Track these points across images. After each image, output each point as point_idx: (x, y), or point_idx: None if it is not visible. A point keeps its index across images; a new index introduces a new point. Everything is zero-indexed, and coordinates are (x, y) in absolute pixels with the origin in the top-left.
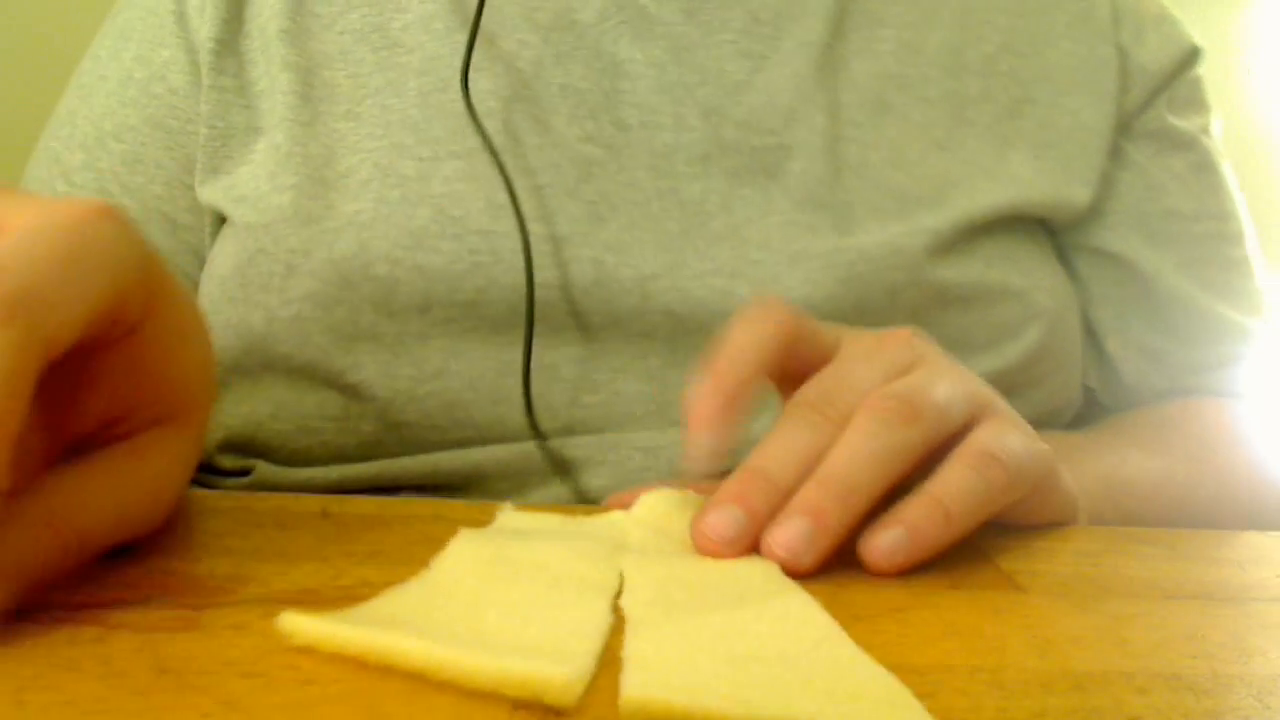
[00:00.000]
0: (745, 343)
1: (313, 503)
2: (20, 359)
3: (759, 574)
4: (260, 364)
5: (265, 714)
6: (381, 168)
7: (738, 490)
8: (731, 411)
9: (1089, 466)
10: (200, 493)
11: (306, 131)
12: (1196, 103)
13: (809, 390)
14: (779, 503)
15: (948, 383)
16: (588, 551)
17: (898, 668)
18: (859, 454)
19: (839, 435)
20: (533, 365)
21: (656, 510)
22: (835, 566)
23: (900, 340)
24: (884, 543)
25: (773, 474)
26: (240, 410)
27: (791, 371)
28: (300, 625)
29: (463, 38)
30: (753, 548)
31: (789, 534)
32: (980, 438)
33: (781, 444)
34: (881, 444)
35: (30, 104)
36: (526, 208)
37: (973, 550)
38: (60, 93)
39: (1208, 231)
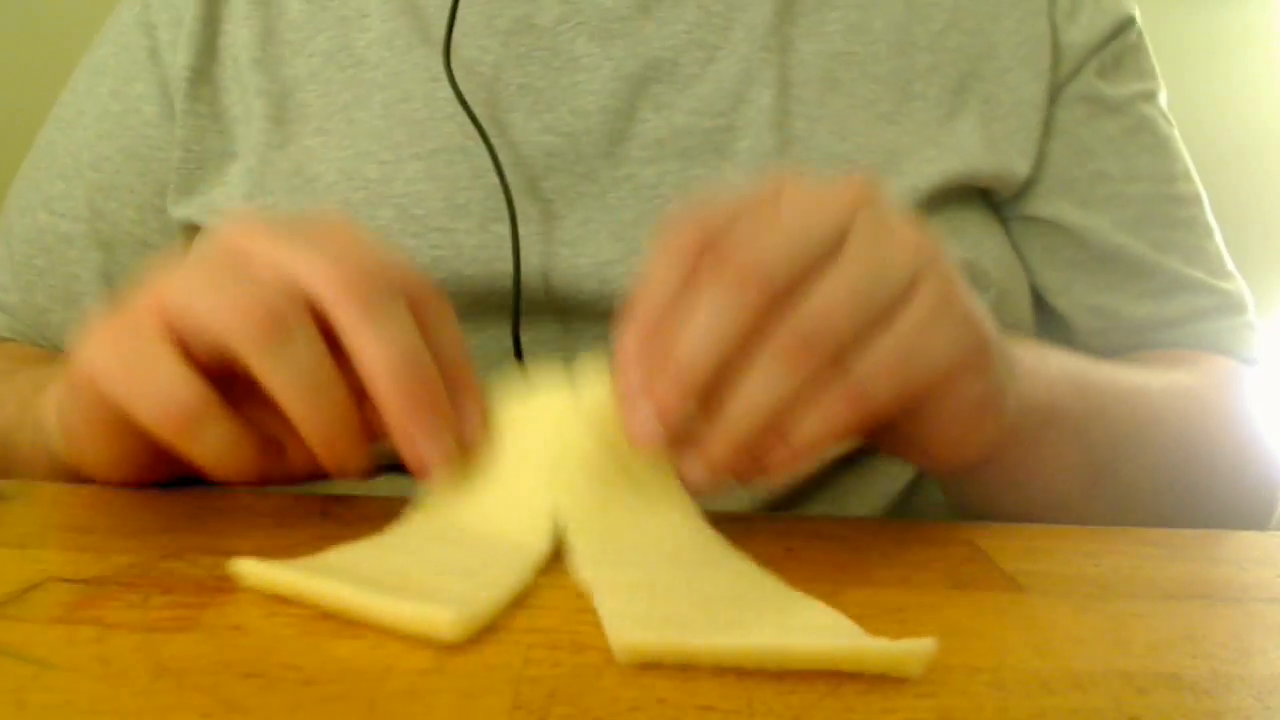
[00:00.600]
0: (657, 274)
1: (312, 503)
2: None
3: (685, 527)
4: None
5: (265, 714)
6: (346, 172)
7: (646, 384)
8: (681, 388)
9: (1055, 361)
10: (200, 492)
11: (279, 154)
12: (1133, 70)
13: (707, 242)
14: (686, 385)
15: (874, 252)
16: (525, 513)
17: None
18: (696, 332)
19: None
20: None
21: (598, 399)
22: (836, 566)
23: (839, 197)
24: (689, 477)
25: (679, 358)
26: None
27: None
28: (247, 568)
29: (423, 52)
30: (678, 433)
31: (636, 421)
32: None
33: (664, 308)
34: (721, 322)
35: (30, 104)
36: (484, 208)
37: (973, 550)
38: (59, 91)
39: (1146, 193)
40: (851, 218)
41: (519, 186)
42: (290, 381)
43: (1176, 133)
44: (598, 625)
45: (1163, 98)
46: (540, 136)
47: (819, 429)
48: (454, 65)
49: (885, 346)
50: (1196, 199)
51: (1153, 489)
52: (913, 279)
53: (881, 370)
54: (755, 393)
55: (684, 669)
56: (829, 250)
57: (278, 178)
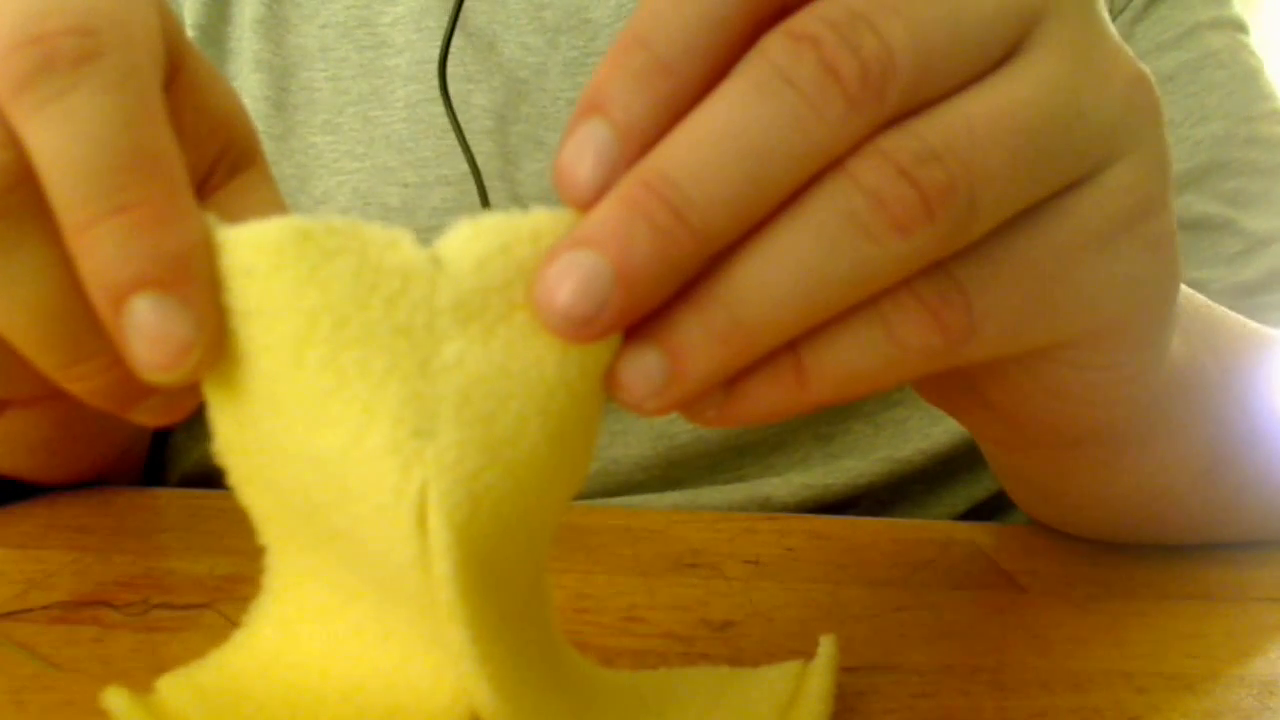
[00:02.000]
0: (674, 17)
1: None
2: (137, 85)
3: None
4: None
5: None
6: (362, 194)
7: (605, 93)
8: (651, 84)
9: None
10: (200, 493)
11: (279, 148)
12: None
13: (817, 12)
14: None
15: (1069, 80)
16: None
17: (897, 668)
18: (737, 146)
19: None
20: None
21: (494, 256)
22: (836, 566)
23: None
24: (629, 373)
25: (662, 53)
26: None
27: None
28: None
29: (458, 40)
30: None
31: (568, 289)
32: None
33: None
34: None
35: None
36: None
37: (973, 550)
38: None
39: (1215, 135)
40: (1042, 10)
41: None
42: None
43: (1263, 67)
44: (599, 625)
45: (1243, 26)
46: None
47: (869, 359)
48: (489, 68)
49: (1030, 257)
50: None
51: (1262, 491)
52: (1110, 153)
53: (1010, 294)
54: (798, 263)
55: None
56: (995, 58)
57: (280, 184)
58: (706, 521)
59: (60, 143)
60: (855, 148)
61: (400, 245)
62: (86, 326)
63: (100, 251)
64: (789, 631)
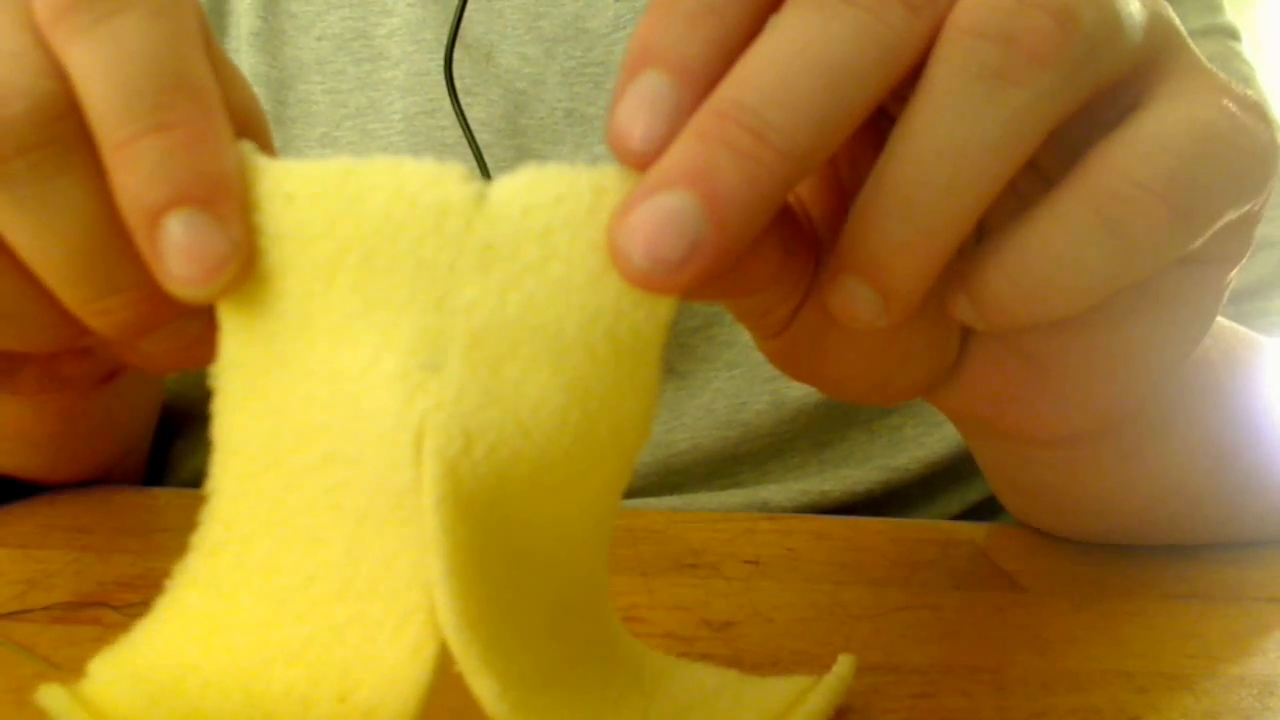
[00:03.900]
0: None
1: None
2: (179, 14)
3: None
4: None
5: None
6: None
7: (654, 41)
8: (702, 26)
9: None
10: (200, 493)
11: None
12: (1191, 1)
13: None
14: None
15: None
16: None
17: (898, 668)
18: (808, 60)
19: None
20: None
21: (542, 203)
22: (836, 566)
23: None
24: (846, 307)
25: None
26: None
27: None
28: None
29: (456, 52)
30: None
31: (652, 227)
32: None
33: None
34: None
35: None
36: None
37: (973, 550)
38: None
39: None
40: None
41: None
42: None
43: (1256, 74)
44: None
45: (1234, 33)
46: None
47: (1095, 262)
48: (487, 79)
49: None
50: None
51: (1265, 489)
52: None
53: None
54: (951, 142)
55: None
56: None
57: None
58: (706, 522)
59: (104, 63)
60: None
61: (444, 182)
62: (119, 259)
63: (140, 168)
64: (789, 631)
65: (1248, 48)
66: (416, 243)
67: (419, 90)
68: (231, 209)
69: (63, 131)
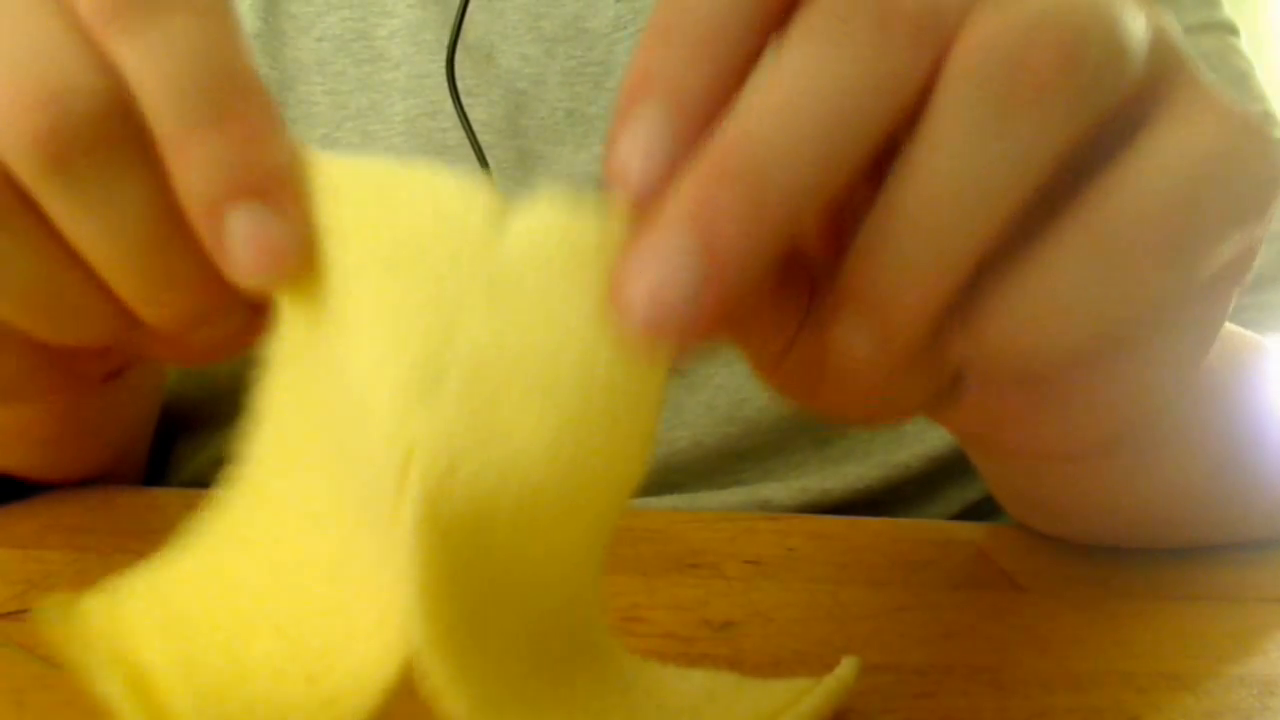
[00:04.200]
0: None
1: None
2: (224, 12)
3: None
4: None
5: None
6: None
7: (652, 72)
8: (700, 57)
9: None
10: (200, 493)
11: None
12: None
13: None
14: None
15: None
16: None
17: (898, 668)
18: (812, 100)
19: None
20: None
21: (550, 236)
22: (836, 566)
23: None
24: (849, 349)
25: (703, 29)
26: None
27: None
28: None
29: (458, 51)
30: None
31: (651, 279)
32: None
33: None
34: (838, 74)
35: None
36: None
37: (973, 550)
38: None
39: None
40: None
41: None
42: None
43: (1254, 70)
44: None
45: (1233, 29)
46: (591, 167)
47: (1105, 299)
48: (489, 80)
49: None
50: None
51: (1266, 490)
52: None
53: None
54: (963, 173)
55: None
56: None
57: None
58: (706, 521)
59: (157, 64)
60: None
61: (470, 207)
62: (178, 254)
63: (200, 164)
64: (789, 631)
65: (1245, 43)
66: (435, 263)
67: (420, 92)
68: (291, 200)
69: (121, 128)
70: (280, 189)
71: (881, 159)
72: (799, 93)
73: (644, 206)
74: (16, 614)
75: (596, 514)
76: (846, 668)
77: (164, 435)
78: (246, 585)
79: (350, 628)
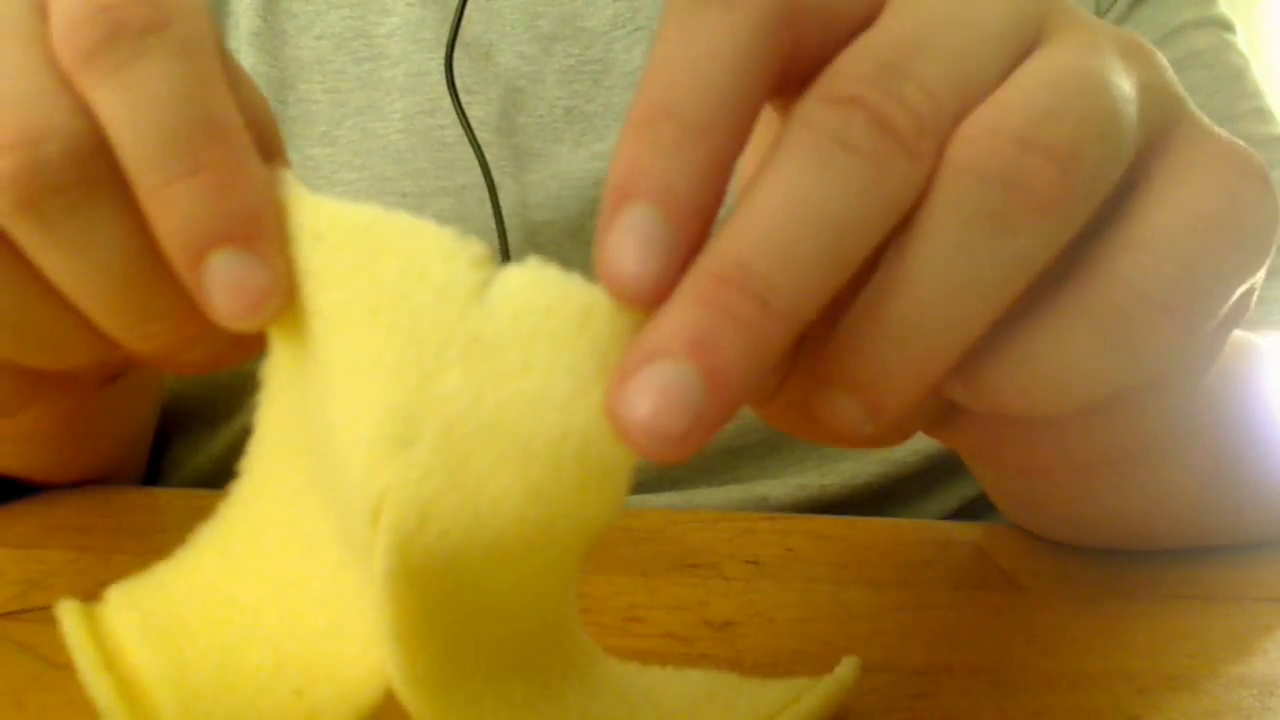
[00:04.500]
0: (698, 44)
1: None
2: (201, 53)
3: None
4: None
5: None
6: None
7: (638, 171)
8: (687, 153)
9: None
10: (200, 493)
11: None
12: None
13: (848, 72)
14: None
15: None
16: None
17: (898, 668)
18: (794, 210)
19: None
20: None
21: (536, 300)
22: (836, 566)
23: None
24: (836, 420)
25: (692, 118)
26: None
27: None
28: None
29: (457, 49)
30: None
31: (652, 405)
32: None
33: (791, 198)
34: (837, 191)
35: None
36: (523, 254)
37: (973, 550)
38: None
39: None
40: (1047, 10)
41: (564, 227)
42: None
43: (1249, 66)
44: (599, 625)
45: (1228, 25)
46: (590, 164)
47: (1097, 368)
48: (487, 79)
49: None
50: (1272, 143)
51: (1267, 492)
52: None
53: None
54: (946, 279)
55: None
56: (1019, 55)
57: None
58: (706, 521)
59: (132, 110)
60: (951, 143)
61: (455, 262)
62: (157, 288)
63: (177, 212)
64: (789, 631)
65: (1242, 40)
66: (416, 316)
67: (419, 89)
68: (270, 245)
69: (96, 169)
70: (258, 234)
71: None
72: (797, 209)
73: (638, 304)
74: (16, 614)
75: (563, 551)
76: (846, 668)
77: (163, 435)
78: (241, 600)
79: (339, 649)
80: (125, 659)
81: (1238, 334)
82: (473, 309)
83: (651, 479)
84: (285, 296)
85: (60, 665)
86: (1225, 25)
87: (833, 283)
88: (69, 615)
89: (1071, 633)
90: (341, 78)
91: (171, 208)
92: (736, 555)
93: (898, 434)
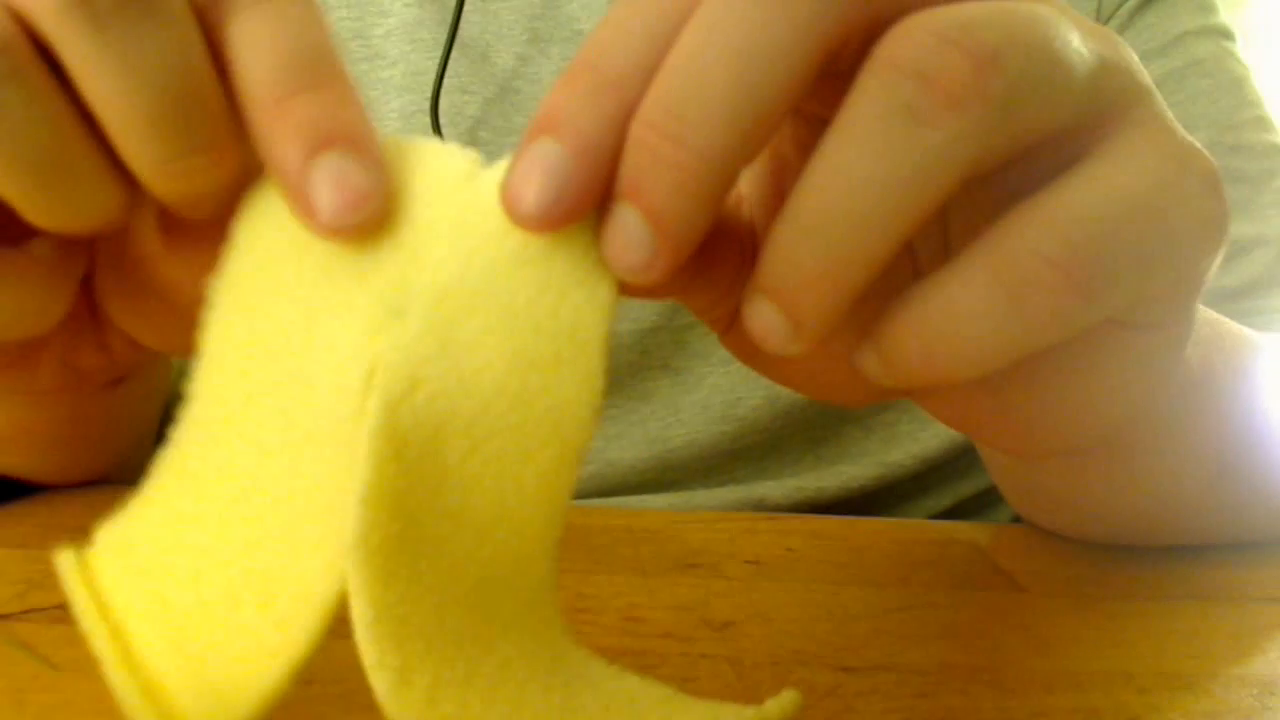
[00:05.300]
0: (627, 11)
1: None
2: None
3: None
4: None
5: None
6: None
7: (555, 112)
8: (600, 102)
9: None
10: None
11: None
12: (1182, 2)
13: None
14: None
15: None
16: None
17: (898, 667)
18: (720, 51)
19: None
20: None
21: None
22: (836, 566)
23: None
24: (754, 325)
25: (609, 72)
26: None
27: None
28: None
29: (454, 50)
30: (580, 207)
31: (620, 240)
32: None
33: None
34: (755, 29)
35: None
36: None
37: (973, 550)
38: None
39: (1199, 143)
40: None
41: None
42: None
43: (1250, 75)
44: (599, 625)
45: (1229, 34)
46: None
47: (992, 334)
48: (483, 79)
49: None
50: (1272, 152)
51: (1269, 493)
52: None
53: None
54: (862, 175)
55: None
56: None
57: None
58: (706, 522)
59: (267, 35)
60: (886, 31)
61: (451, 160)
62: (200, 116)
63: (300, 113)
64: (789, 631)
65: (1242, 48)
66: (417, 202)
67: (416, 89)
68: (374, 154)
69: None
70: (367, 142)
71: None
72: (708, 42)
73: (534, 229)
74: (16, 614)
75: (544, 468)
76: (787, 700)
77: (163, 435)
78: (201, 521)
79: (295, 549)
80: (111, 604)
81: (1243, 331)
82: (459, 197)
83: (649, 480)
84: (383, 202)
85: (60, 665)
86: (1226, 34)
87: (750, 119)
88: (67, 568)
89: (1071, 633)
90: None
91: (289, 115)
92: (736, 555)
93: (858, 389)
